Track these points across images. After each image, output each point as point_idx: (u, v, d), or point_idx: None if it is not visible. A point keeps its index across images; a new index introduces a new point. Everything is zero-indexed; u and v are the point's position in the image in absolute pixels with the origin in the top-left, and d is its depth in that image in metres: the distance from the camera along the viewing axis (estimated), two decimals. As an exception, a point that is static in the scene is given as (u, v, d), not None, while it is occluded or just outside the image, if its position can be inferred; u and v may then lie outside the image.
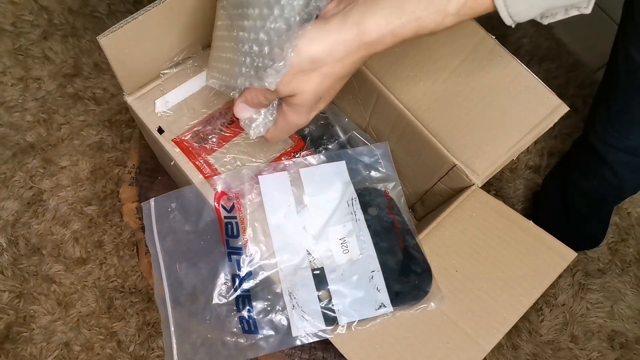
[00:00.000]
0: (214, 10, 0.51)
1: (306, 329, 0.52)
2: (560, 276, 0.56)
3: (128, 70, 0.55)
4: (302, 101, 0.45)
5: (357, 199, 0.58)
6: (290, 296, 0.53)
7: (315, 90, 0.44)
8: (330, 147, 0.68)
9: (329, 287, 0.53)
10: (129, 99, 0.58)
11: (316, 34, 0.42)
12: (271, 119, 0.50)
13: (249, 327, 0.52)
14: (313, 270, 0.54)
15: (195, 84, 0.60)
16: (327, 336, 0.52)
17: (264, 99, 0.47)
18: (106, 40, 0.50)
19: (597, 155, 0.85)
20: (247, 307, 0.53)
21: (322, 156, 0.59)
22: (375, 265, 0.55)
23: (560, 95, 0.55)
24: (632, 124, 0.79)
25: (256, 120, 0.51)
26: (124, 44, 0.52)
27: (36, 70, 1.13)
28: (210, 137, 0.58)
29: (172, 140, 0.57)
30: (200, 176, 0.56)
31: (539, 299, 0.54)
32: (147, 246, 0.57)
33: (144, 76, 0.58)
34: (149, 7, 0.52)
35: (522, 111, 0.56)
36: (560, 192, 0.95)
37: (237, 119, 0.51)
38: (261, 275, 0.54)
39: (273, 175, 0.57)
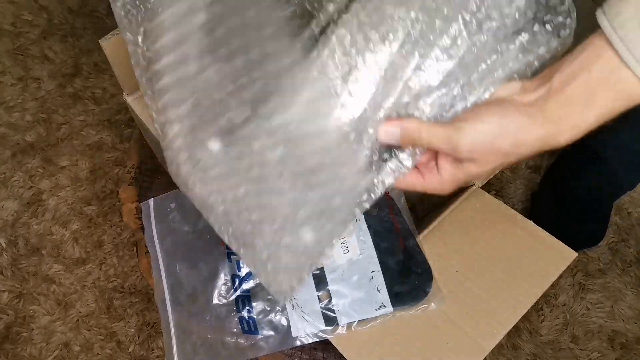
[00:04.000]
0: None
1: (306, 329, 0.52)
2: (560, 276, 0.56)
3: (128, 71, 0.55)
4: (468, 172, 0.41)
5: (357, 199, 0.58)
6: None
7: (487, 171, 0.41)
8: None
9: (328, 287, 0.53)
10: (129, 99, 0.58)
11: (512, 122, 0.39)
12: (403, 164, 0.42)
13: (249, 328, 0.52)
14: (313, 270, 0.54)
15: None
16: (327, 336, 0.52)
17: (425, 141, 0.40)
18: (107, 43, 0.50)
19: (591, 151, 0.85)
20: (247, 308, 0.53)
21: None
22: (375, 265, 0.55)
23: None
24: (621, 121, 0.79)
25: (389, 159, 0.42)
26: (124, 46, 0.52)
27: (36, 70, 1.13)
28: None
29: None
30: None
31: (539, 299, 0.54)
32: (146, 246, 0.57)
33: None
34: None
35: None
36: (555, 192, 0.95)
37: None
38: (261, 276, 0.54)
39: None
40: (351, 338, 0.52)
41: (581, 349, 0.90)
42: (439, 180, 0.42)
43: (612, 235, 0.99)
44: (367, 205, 0.41)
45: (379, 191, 0.41)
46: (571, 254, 0.56)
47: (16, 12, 1.19)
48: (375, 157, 0.41)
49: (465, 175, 0.42)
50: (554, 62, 0.41)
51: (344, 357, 0.51)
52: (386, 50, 0.40)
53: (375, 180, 0.41)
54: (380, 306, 0.53)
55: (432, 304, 0.53)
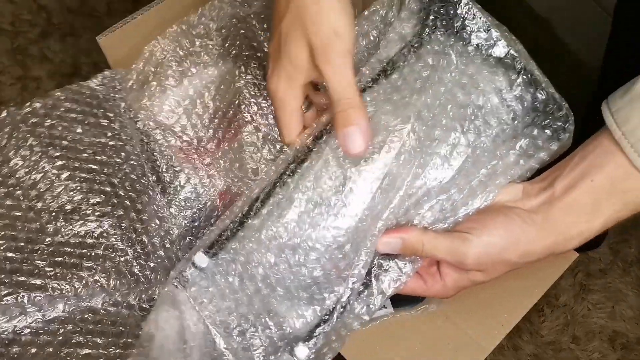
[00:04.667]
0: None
1: (306, 329, 0.51)
2: (561, 277, 0.56)
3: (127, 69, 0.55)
4: (473, 280, 0.41)
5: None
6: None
7: (493, 279, 0.41)
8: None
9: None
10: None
11: (520, 235, 0.39)
12: (403, 272, 0.41)
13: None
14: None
15: (196, 83, 0.59)
16: (327, 337, 0.51)
17: (428, 252, 0.39)
18: (105, 40, 0.50)
19: None
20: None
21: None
22: (376, 265, 0.54)
23: (561, 94, 0.55)
24: None
25: (389, 269, 0.41)
26: (123, 44, 0.52)
27: (35, 70, 1.13)
28: (210, 137, 0.57)
29: (171, 140, 0.56)
30: (199, 177, 0.55)
31: (540, 299, 0.54)
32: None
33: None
34: (148, 7, 0.51)
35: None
36: None
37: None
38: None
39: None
40: (351, 338, 0.52)
41: (582, 350, 0.90)
42: (442, 286, 0.41)
43: (613, 236, 0.99)
44: (366, 318, 0.40)
45: (378, 302, 0.40)
46: (572, 255, 0.55)
47: (15, 12, 1.18)
48: (374, 268, 0.40)
49: (471, 283, 0.41)
50: (553, 159, 0.42)
51: (344, 358, 0.51)
52: (382, 161, 0.39)
53: (375, 291, 0.40)
54: (381, 307, 0.53)
55: (433, 305, 0.53)
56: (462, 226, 0.40)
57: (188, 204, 0.53)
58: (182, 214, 0.52)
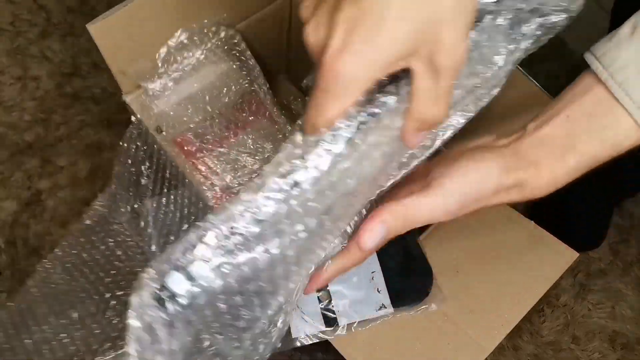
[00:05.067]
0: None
1: (306, 330, 0.51)
2: (561, 277, 0.56)
3: (120, 58, 0.54)
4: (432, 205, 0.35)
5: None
6: (289, 297, 0.52)
7: (453, 205, 0.35)
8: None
9: (328, 288, 0.53)
10: (127, 99, 0.57)
11: (483, 161, 0.35)
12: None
13: (248, 328, 0.52)
14: (313, 270, 0.54)
15: (196, 81, 0.60)
16: (327, 337, 0.51)
17: (417, 222, 0.35)
18: (96, 27, 0.48)
19: None
20: (247, 308, 0.52)
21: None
22: (376, 265, 0.54)
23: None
24: None
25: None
26: (114, 32, 0.50)
27: (34, 70, 1.13)
28: (211, 136, 0.57)
29: (171, 140, 0.56)
30: (199, 176, 0.55)
31: (540, 299, 0.54)
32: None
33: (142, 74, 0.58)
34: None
35: (520, 113, 0.56)
36: (556, 192, 0.95)
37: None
38: (260, 276, 0.53)
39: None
40: (351, 339, 0.52)
41: (582, 350, 0.90)
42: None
43: (613, 236, 0.99)
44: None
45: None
46: (573, 255, 0.55)
47: (15, 12, 1.18)
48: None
49: (429, 211, 0.36)
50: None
51: (344, 358, 0.51)
52: None
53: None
54: (381, 307, 0.53)
55: (433, 305, 0.53)
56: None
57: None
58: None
